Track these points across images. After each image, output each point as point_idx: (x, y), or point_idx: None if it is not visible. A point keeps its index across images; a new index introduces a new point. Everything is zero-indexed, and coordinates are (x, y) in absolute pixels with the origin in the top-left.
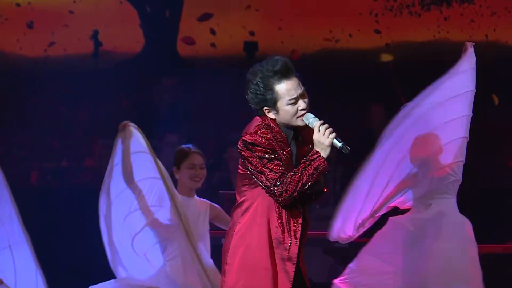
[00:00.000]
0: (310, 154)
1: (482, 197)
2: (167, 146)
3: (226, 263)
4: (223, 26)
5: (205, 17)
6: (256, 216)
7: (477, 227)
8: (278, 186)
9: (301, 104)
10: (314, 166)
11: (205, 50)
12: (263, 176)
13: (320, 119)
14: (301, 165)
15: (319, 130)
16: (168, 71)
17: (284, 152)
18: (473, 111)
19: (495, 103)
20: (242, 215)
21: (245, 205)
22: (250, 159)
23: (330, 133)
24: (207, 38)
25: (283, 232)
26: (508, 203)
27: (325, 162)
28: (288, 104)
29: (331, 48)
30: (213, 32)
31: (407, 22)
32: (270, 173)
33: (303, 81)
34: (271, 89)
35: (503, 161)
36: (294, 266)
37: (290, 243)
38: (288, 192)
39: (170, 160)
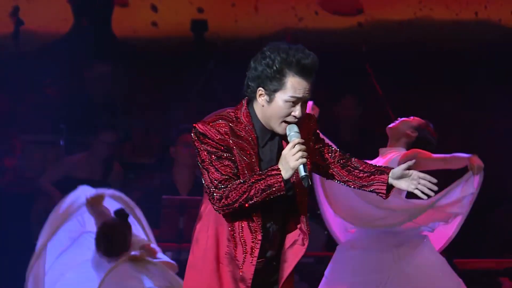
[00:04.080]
0: (270, 168)
1: None
2: (101, 144)
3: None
4: (167, 2)
5: None
6: (208, 223)
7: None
8: (219, 190)
9: (298, 110)
10: (268, 183)
11: (145, 30)
12: (207, 174)
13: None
14: (255, 176)
15: (293, 147)
16: (102, 54)
17: (247, 153)
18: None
19: None
20: (198, 219)
21: (202, 208)
22: (200, 151)
23: (301, 157)
24: (148, 15)
25: (235, 246)
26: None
27: (282, 184)
28: (286, 101)
29: (294, 27)
30: (154, 8)
31: None
32: (215, 173)
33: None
34: (283, 75)
35: None
36: None
37: (244, 261)
38: (229, 200)
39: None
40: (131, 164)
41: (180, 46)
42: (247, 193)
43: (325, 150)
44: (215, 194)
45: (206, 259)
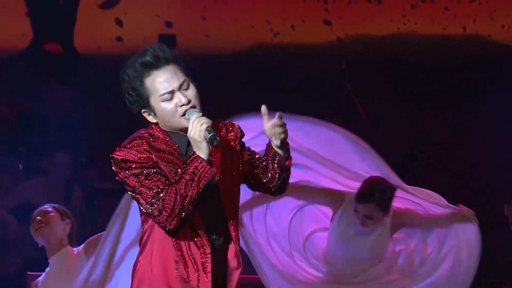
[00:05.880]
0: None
1: None
2: (56, 167)
3: None
4: (132, 16)
5: (109, 4)
6: (152, 251)
7: None
8: (154, 205)
9: (180, 98)
10: (191, 170)
11: (110, 45)
12: (140, 197)
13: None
14: (178, 173)
15: (193, 124)
16: (63, 72)
17: (174, 165)
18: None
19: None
20: (141, 252)
21: (144, 238)
22: (126, 179)
23: (201, 124)
24: (113, 30)
25: (186, 266)
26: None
27: (204, 164)
28: (163, 101)
29: (269, 43)
30: (119, 23)
31: (364, 10)
32: (148, 192)
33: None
34: (141, 85)
35: None
36: None
37: (198, 279)
38: (167, 210)
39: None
40: (95, 190)
41: None
42: (179, 192)
43: (255, 158)
44: (154, 211)
45: (159, 286)
